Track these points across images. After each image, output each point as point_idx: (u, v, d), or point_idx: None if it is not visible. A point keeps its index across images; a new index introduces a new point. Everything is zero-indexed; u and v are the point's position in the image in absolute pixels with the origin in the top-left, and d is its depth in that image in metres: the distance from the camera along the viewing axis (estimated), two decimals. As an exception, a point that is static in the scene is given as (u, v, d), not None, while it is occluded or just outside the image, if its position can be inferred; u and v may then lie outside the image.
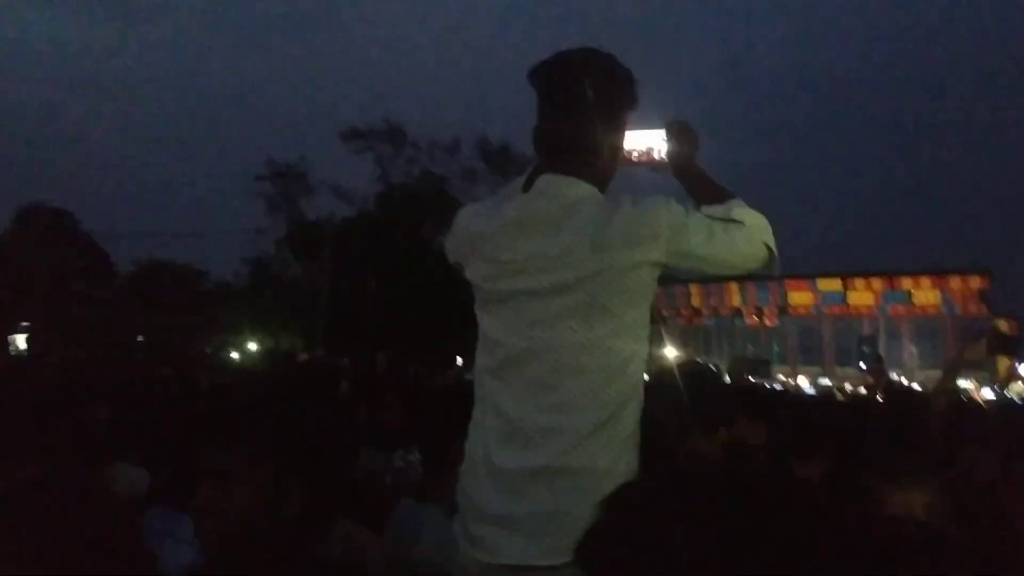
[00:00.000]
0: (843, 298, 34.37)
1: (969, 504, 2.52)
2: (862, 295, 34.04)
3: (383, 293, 29.84)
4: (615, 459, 1.61)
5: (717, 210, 1.77)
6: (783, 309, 35.36)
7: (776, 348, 36.72)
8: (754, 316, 35.95)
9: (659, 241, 1.64)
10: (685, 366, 2.78)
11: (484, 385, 1.73)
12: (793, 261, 34.47)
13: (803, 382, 25.70)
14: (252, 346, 26.32)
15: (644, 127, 1.97)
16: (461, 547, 1.70)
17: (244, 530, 1.74)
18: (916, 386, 21.21)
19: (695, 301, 36.48)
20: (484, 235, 1.77)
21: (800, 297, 35.07)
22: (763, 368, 13.57)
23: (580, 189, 1.73)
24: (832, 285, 34.51)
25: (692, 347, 33.75)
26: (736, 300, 36.13)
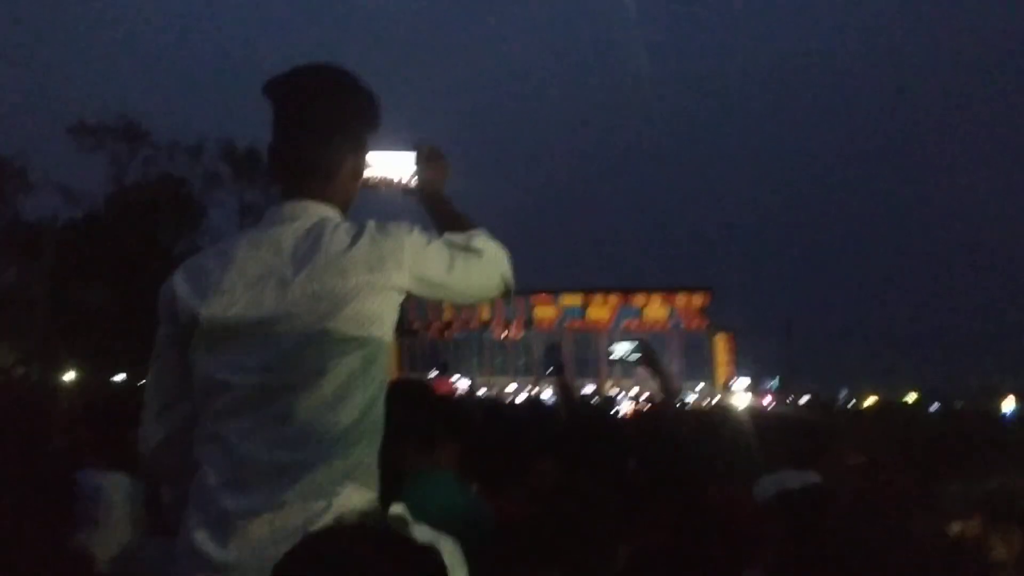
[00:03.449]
0: (583, 313, 36.41)
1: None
2: (600, 310, 36.26)
3: (114, 303, 27.55)
4: (353, 491, 1.54)
5: (458, 238, 1.75)
6: (528, 323, 36.81)
7: (522, 360, 38.20)
8: (502, 329, 37.13)
9: (403, 267, 1.60)
10: (397, 384, 2.76)
11: (211, 428, 1.57)
12: (538, 277, 36.15)
13: (546, 393, 26.89)
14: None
15: (394, 149, 1.93)
16: None
17: None
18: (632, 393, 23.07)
19: (446, 315, 37.04)
20: (208, 268, 1.62)
21: (544, 312, 36.72)
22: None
23: (320, 211, 1.65)
24: (573, 301, 36.48)
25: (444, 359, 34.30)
26: (485, 314, 37.13)
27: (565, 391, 5.40)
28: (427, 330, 38.13)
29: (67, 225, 30.30)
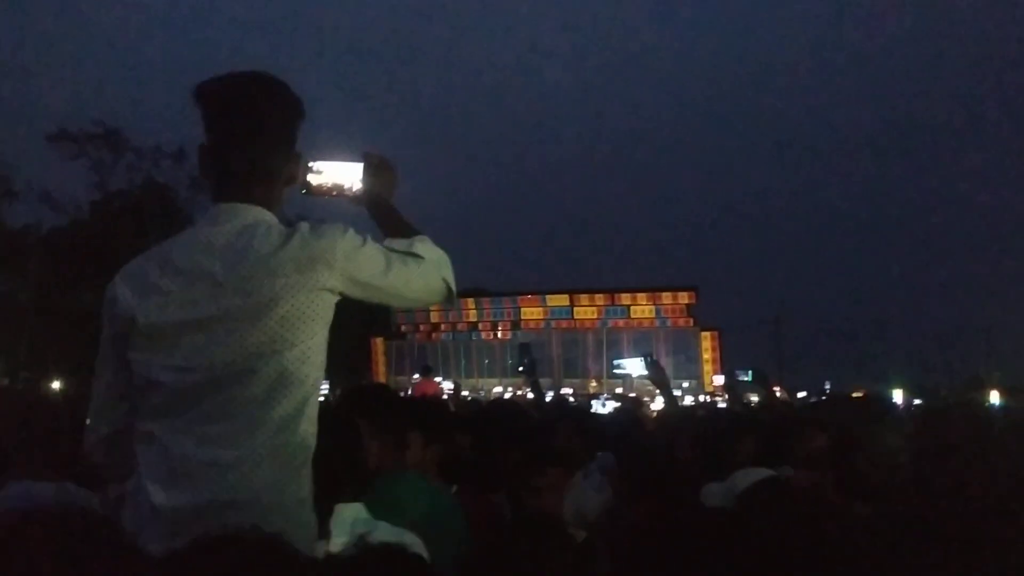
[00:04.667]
0: (570, 313, 36.44)
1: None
2: (586, 310, 36.29)
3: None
4: (282, 489, 1.57)
5: (400, 243, 1.79)
6: (516, 324, 36.83)
7: (510, 361, 38.19)
8: (489, 331, 37.14)
9: (333, 268, 1.63)
10: (365, 387, 2.83)
11: (146, 427, 1.61)
12: (526, 279, 36.13)
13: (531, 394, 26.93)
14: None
15: (344, 159, 1.97)
16: None
17: None
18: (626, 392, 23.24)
19: (433, 317, 37.01)
20: (147, 270, 1.65)
21: (531, 312, 36.75)
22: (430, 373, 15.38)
23: (255, 213, 1.68)
24: (560, 301, 36.50)
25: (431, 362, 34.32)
26: (473, 315, 37.16)
27: (536, 390, 5.58)
28: (415, 332, 38.11)
29: (52, 233, 30.17)
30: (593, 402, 17.81)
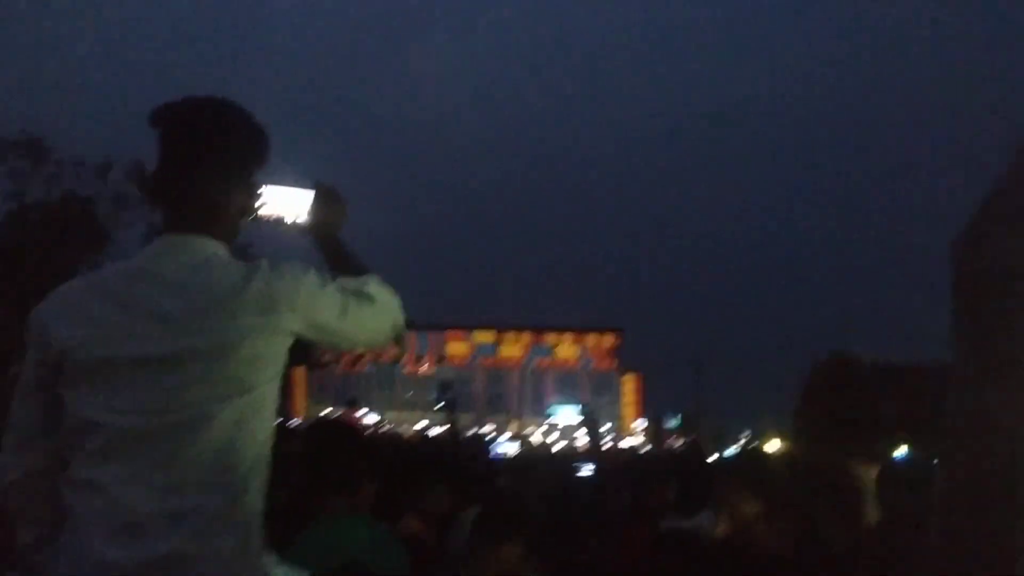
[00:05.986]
0: (495, 350, 36.52)
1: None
2: (512, 348, 36.44)
3: (14, 325, 26.39)
4: (243, 540, 1.49)
5: (351, 283, 1.71)
6: (441, 358, 36.70)
7: (434, 395, 37.88)
8: (414, 364, 36.91)
9: (295, 311, 1.56)
10: (318, 427, 2.74)
11: (84, 474, 1.46)
12: (452, 313, 36.17)
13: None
14: None
15: (294, 185, 1.90)
16: None
17: None
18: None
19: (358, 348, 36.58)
20: (84, 299, 1.54)
21: (457, 347, 36.70)
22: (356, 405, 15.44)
23: (209, 247, 1.59)
24: (487, 337, 36.57)
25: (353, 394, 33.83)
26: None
27: (453, 426, 5.88)
28: (338, 363, 37.60)
29: (-38, 243, 28.99)
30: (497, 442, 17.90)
